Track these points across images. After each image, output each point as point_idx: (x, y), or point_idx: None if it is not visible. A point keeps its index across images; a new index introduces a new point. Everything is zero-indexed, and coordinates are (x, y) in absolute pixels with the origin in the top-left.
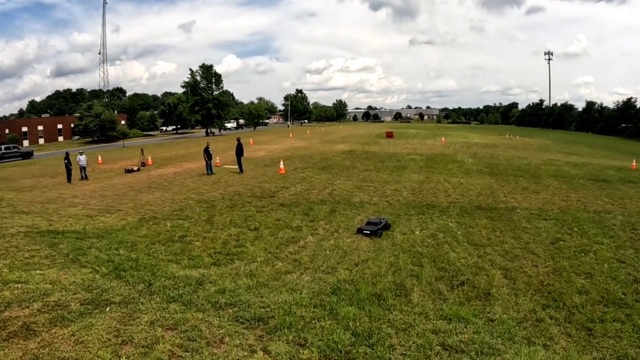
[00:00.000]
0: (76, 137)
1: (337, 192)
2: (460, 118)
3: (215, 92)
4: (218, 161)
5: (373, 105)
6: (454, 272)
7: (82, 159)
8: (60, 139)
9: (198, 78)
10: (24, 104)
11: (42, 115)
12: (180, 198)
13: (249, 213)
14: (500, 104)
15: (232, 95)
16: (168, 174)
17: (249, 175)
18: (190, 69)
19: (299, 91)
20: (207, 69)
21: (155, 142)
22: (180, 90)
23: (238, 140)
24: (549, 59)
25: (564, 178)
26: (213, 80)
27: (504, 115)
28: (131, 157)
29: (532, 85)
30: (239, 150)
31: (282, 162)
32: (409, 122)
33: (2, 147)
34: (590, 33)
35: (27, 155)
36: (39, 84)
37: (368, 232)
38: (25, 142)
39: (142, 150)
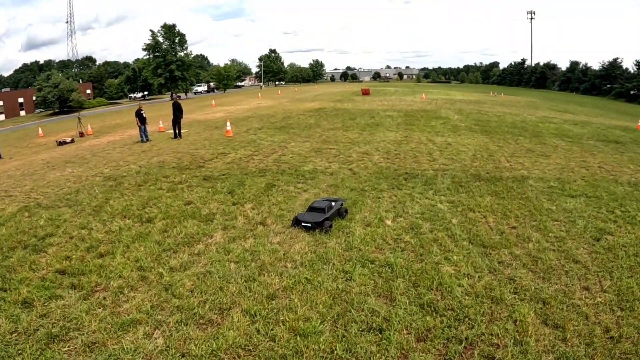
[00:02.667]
0: (38, 110)
1: (287, 157)
2: (440, 77)
3: (180, 53)
4: (162, 126)
5: (352, 66)
6: (450, 315)
7: None
8: (23, 113)
9: (160, 39)
10: None
11: (3, 90)
12: (89, 174)
13: (157, 194)
14: (481, 63)
15: (206, 58)
16: (100, 144)
17: (189, 140)
18: (151, 30)
19: (273, 51)
20: (169, 29)
21: (115, 110)
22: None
23: (174, 100)
24: (531, 18)
25: (569, 138)
26: (176, 41)
27: (485, 75)
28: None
29: (512, 46)
30: (177, 112)
31: (229, 123)
32: (388, 81)
33: None
34: None
35: None
36: (10, 59)
37: (309, 224)
38: None
39: (79, 119)
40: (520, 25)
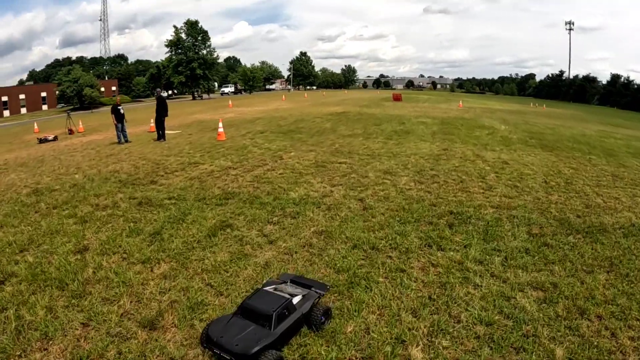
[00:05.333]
0: (60, 105)
1: (274, 173)
2: (474, 88)
3: (203, 51)
4: (153, 125)
5: (385, 74)
6: None
7: None
8: (45, 107)
9: (183, 36)
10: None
11: (26, 83)
12: (23, 184)
13: (60, 225)
14: (517, 74)
15: (238, 60)
16: (77, 144)
17: (171, 143)
18: (175, 26)
19: (303, 54)
20: (192, 25)
21: (132, 107)
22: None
23: (158, 97)
24: (570, 29)
25: None
26: (199, 38)
27: (521, 87)
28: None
29: (546, 58)
30: (161, 110)
31: (220, 125)
32: (421, 90)
33: None
34: (606, 6)
35: None
36: (49, 55)
37: (227, 358)
38: (6, 112)
39: (68, 114)
40: (556, 38)
